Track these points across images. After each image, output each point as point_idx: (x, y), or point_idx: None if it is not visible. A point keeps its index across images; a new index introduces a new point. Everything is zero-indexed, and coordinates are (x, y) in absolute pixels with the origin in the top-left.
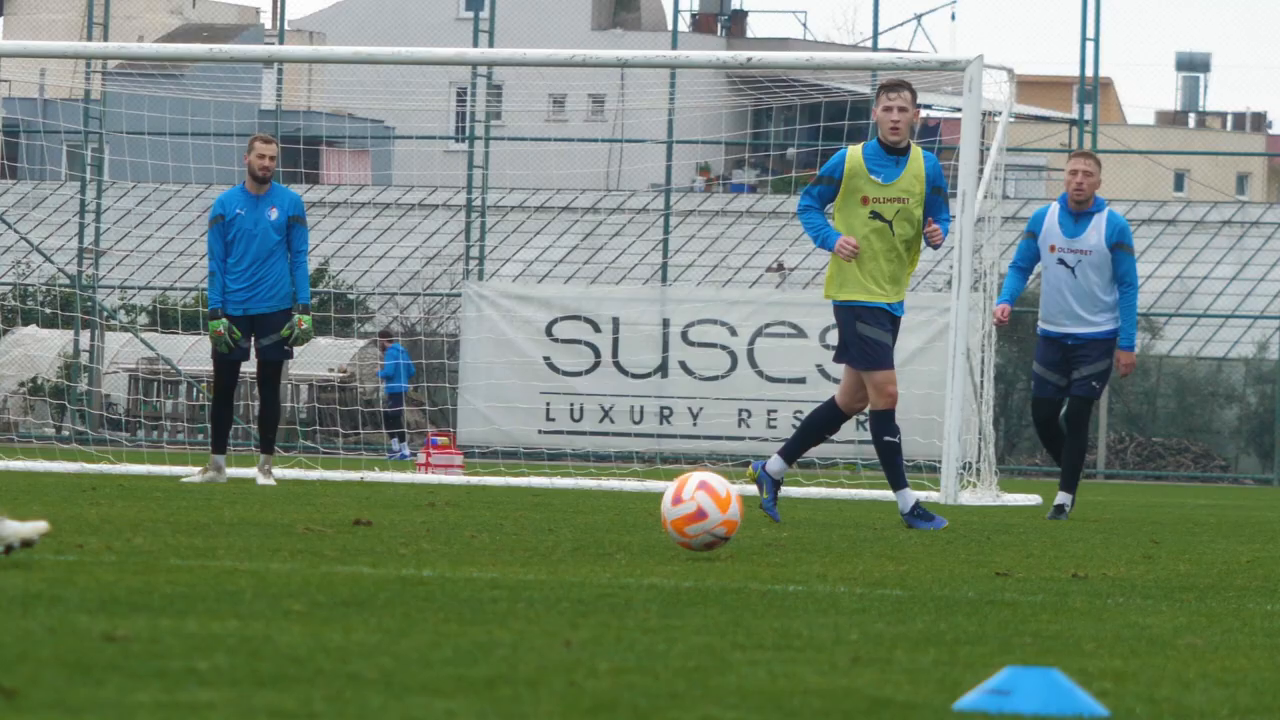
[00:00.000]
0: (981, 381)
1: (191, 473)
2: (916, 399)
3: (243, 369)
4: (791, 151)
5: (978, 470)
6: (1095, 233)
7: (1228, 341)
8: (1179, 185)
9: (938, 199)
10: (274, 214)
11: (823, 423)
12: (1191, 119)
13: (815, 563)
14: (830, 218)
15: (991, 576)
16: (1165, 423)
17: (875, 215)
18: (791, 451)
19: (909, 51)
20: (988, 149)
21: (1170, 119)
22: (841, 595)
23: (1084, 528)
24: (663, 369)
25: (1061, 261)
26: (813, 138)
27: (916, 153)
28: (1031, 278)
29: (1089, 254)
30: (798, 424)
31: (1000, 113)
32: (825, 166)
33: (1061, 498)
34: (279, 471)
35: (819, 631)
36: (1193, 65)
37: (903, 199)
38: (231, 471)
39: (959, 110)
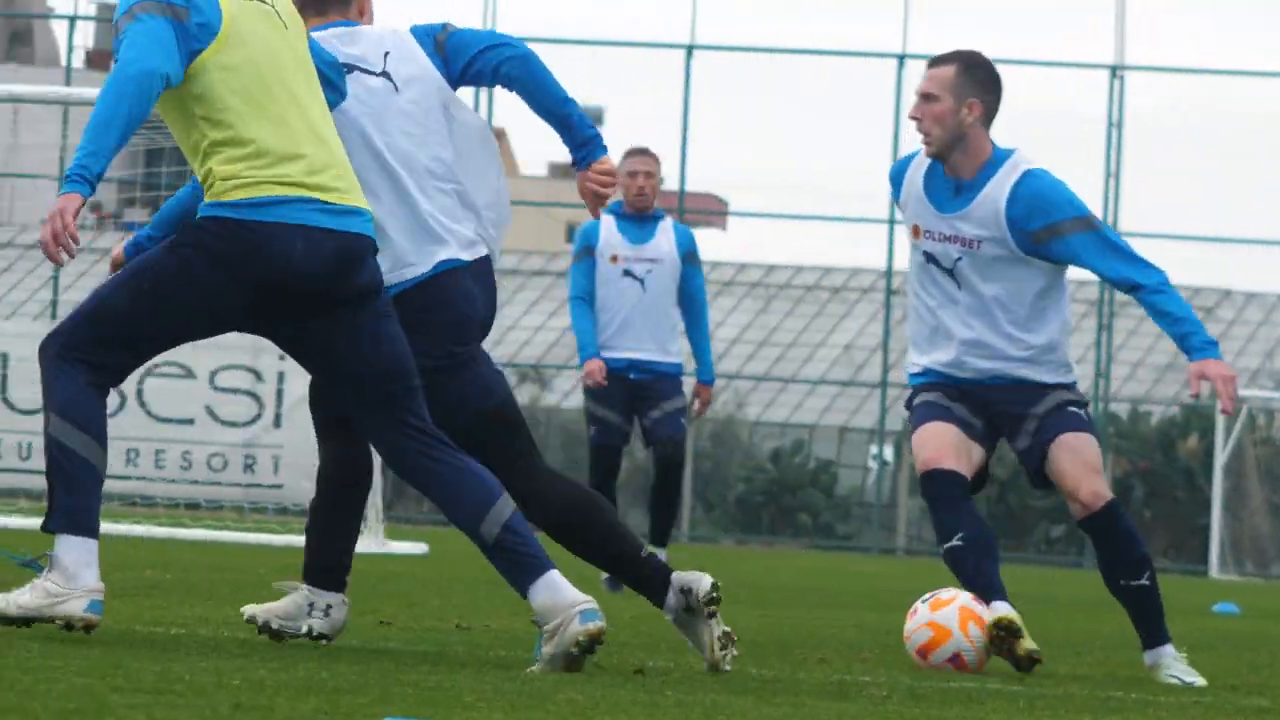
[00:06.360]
0: None
1: None
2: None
3: None
4: None
5: (364, 517)
6: None
7: None
8: (571, 237)
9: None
10: None
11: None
12: None
13: (198, 605)
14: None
15: (375, 625)
16: None
17: None
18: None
19: None
20: None
21: (565, 171)
22: (225, 640)
23: (471, 579)
24: None
25: None
26: None
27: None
28: None
29: None
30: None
31: None
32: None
33: None
34: None
35: (201, 676)
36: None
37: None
38: None
39: None
